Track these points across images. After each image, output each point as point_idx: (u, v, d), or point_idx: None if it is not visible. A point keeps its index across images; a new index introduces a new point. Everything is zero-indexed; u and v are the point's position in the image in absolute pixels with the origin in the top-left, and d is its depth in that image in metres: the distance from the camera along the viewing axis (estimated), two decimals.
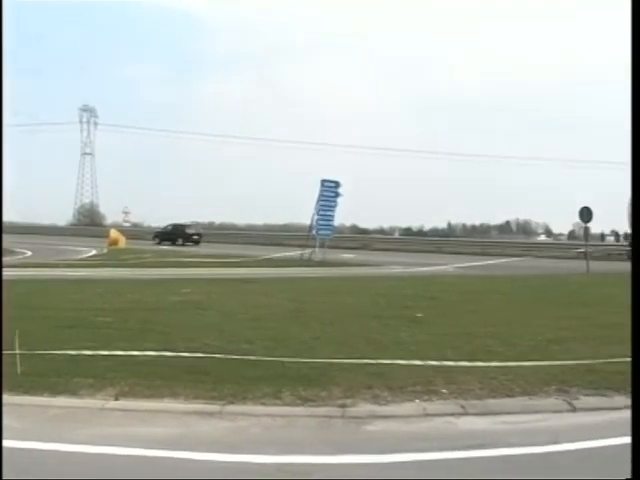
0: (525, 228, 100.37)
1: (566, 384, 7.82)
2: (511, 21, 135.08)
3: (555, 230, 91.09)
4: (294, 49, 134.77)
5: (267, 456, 5.57)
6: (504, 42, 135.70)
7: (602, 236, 76.34)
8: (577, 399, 7.44)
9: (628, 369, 8.28)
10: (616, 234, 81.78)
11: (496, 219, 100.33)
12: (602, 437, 6.28)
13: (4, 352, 7.64)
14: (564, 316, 13.07)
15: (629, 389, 7.76)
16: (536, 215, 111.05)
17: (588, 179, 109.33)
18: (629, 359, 8.48)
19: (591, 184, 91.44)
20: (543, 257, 38.98)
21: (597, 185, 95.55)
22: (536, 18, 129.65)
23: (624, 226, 77.86)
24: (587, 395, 7.59)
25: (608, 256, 44.55)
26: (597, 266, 28.77)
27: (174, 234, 53.75)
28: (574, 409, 7.21)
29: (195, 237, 53.80)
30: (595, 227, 75.23)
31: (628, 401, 7.45)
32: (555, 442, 6.08)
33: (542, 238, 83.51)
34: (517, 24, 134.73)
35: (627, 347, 9.57)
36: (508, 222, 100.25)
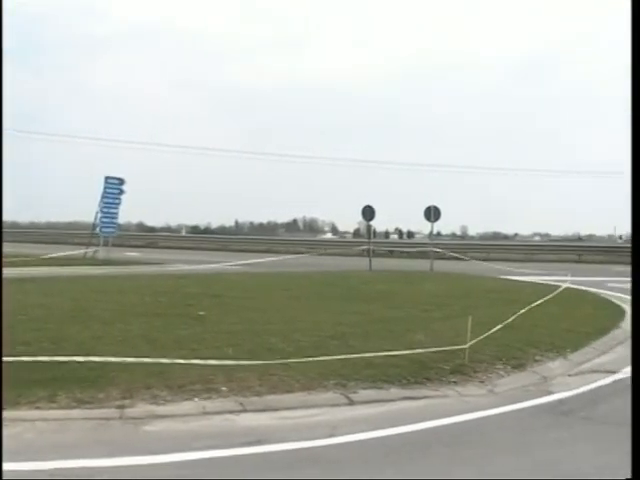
0: (312, 226, 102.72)
1: (344, 378, 8.17)
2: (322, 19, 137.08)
3: (341, 228, 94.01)
4: (91, 41, 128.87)
5: (41, 462, 5.43)
6: (313, 41, 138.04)
7: (386, 234, 79.97)
8: (355, 393, 7.80)
9: (403, 362, 8.87)
10: (400, 232, 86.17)
11: (283, 217, 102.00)
12: (377, 428, 6.65)
13: None
14: (345, 312, 13.62)
15: (404, 382, 8.32)
16: (323, 213, 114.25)
17: (374, 179, 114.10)
18: (405, 351, 9.08)
19: (376, 184, 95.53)
20: (328, 254, 40.19)
21: (382, 185, 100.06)
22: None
23: (407, 225, 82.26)
24: (365, 388, 7.98)
25: (391, 253, 46.80)
26: (379, 263, 30.13)
27: None
28: (352, 402, 7.56)
29: None
30: (380, 226, 78.64)
31: (403, 393, 8.00)
32: (331, 435, 6.40)
33: (328, 236, 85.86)
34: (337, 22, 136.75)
35: (403, 341, 10.27)
36: (295, 220, 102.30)
